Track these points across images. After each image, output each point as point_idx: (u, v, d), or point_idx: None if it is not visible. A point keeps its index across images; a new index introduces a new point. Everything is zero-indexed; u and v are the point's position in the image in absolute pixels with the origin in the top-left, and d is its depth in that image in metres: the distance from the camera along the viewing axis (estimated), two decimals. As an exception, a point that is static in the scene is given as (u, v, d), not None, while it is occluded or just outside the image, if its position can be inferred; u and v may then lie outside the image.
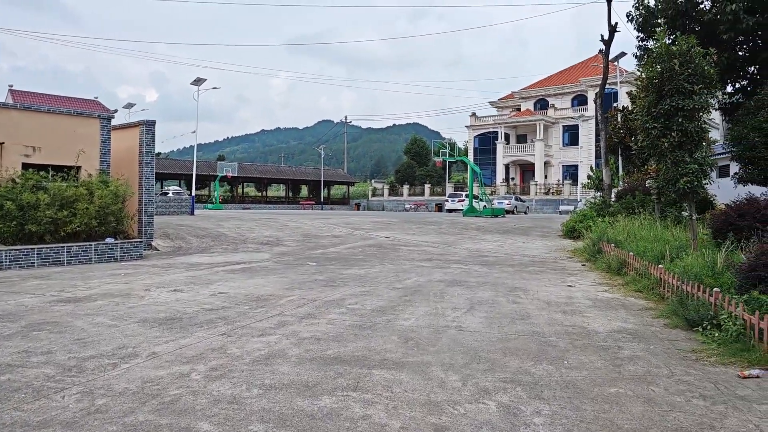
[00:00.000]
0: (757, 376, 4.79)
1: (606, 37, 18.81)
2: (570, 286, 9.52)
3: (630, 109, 23.39)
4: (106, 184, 13.29)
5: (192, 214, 29.90)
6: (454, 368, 4.94)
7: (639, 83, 12.84)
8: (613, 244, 11.92)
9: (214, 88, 33.67)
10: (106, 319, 6.78)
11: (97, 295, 8.43)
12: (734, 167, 22.71)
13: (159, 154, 76.90)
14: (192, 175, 34.51)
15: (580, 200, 47.21)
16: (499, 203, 39.80)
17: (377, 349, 5.52)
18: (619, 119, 23.29)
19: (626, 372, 4.90)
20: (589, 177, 20.89)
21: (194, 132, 31.77)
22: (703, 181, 9.76)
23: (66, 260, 12.22)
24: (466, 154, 62.26)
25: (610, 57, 20.99)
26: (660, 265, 8.42)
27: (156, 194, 52.02)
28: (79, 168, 13.73)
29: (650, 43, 17.19)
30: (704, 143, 9.81)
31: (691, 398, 4.25)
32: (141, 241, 13.87)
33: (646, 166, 23.24)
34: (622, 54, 27.01)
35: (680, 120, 9.40)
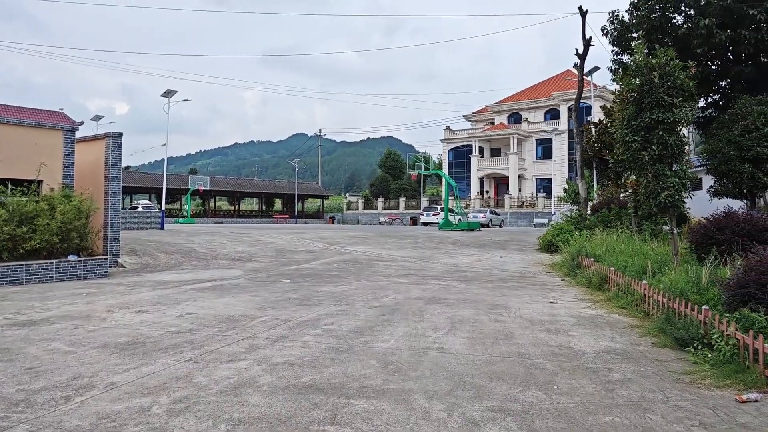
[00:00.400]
0: (756, 400, 4.56)
1: (581, 51, 18.90)
2: (552, 302, 9.28)
3: (604, 122, 23.55)
4: (68, 198, 12.71)
5: (162, 228, 29.13)
6: (438, 396, 4.61)
7: (618, 96, 12.81)
8: (592, 259, 11.76)
9: (185, 100, 33.12)
10: (63, 345, 6.30)
11: (56, 317, 7.91)
12: (708, 180, 22.97)
13: (129, 167, 75.48)
14: (163, 189, 33.65)
15: (555, 213, 47.49)
16: (474, 216, 39.76)
17: (355, 375, 5.16)
18: (594, 133, 23.42)
19: (620, 397, 4.63)
20: (564, 190, 20.91)
21: (164, 145, 31.04)
22: (684, 195, 9.66)
23: (25, 279, 11.59)
24: (440, 167, 62.43)
25: (585, 71, 21.09)
26: (643, 281, 8.23)
27: (125, 209, 50.89)
28: (40, 182, 13.12)
29: (625, 57, 17.33)
30: (684, 156, 9.72)
31: (691, 427, 3.99)
32: (106, 258, 13.29)
33: (621, 180, 23.37)
34: (596, 68, 27.29)
35: (660, 133, 9.29)
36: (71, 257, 12.50)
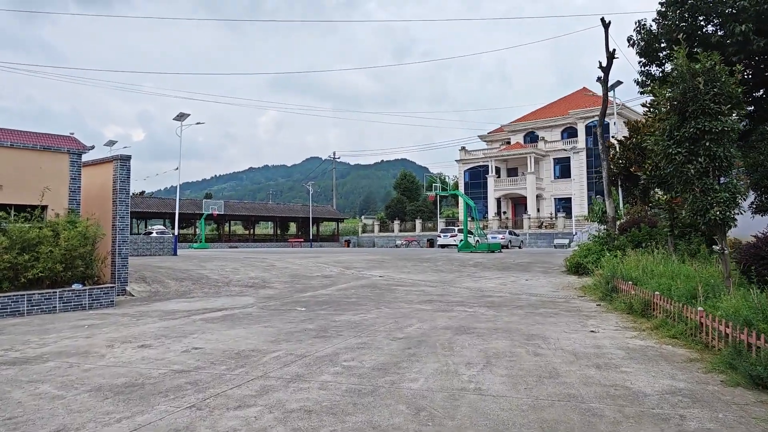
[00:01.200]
0: None
1: (604, 63, 18.19)
2: (593, 331, 8.43)
3: (629, 138, 22.72)
4: (74, 224, 12.13)
5: (175, 254, 28.62)
6: (486, 456, 3.83)
7: (656, 106, 12.05)
8: (630, 282, 10.89)
9: (198, 123, 32.80)
10: (52, 388, 5.60)
11: (51, 354, 7.23)
12: (749, 196, 21.97)
13: (143, 192, 75.68)
14: (176, 214, 33.24)
15: (576, 233, 46.42)
16: (492, 237, 38.83)
17: (383, 426, 4.40)
18: (618, 149, 22.61)
19: (707, 457, 3.81)
20: (591, 210, 20.04)
21: (177, 169, 30.67)
22: (734, 211, 8.82)
23: (26, 310, 10.97)
24: (456, 188, 61.64)
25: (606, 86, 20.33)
26: (699, 308, 7.38)
27: (139, 234, 50.68)
28: (45, 207, 12.58)
29: (653, 68, 16.59)
30: (733, 169, 8.91)
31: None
32: (113, 287, 12.65)
33: (648, 197, 22.45)
34: (618, 83, 26.53)
35: (707, 144, 8.50)
36: (76, 286, 11.88)
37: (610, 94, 26.63)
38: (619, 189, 23.51)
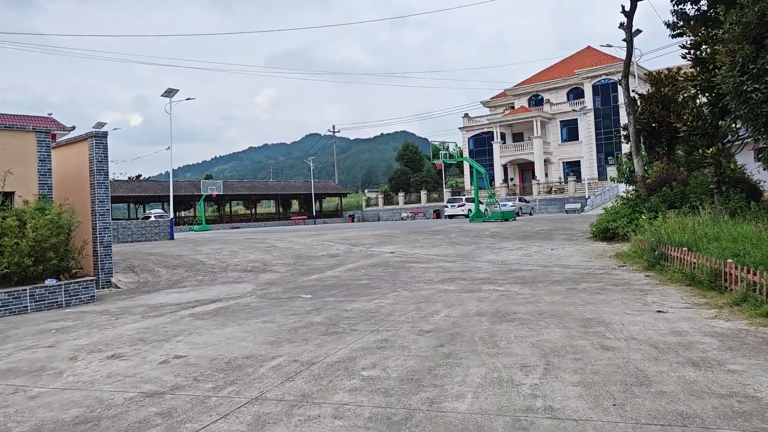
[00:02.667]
0: None
1: (627, 7, 16.39)
2: (660, 311, 6.96)
3: (651, 92, 20.99)
4: (43, 211, 10.63)
5: (171, 238, 27.21)
6: None
7: (699, 47, 10.46)
8: (685, 248, 9.37)
9: (187, 99, 31.02)
10: (-25, 432, 4.17)
11: (-4, 373, 5.80)
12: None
13: (140, 176, 74.12)
14: (170, 196, 31.74)
15: (588, 197, 44.86)
16: (503, 205, 37.27)
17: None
18: (639, 104, 20.92)
19: None
20: (618, 169, 18.47)
21: (168, 148, 29.08)
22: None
23: (-9, 312, 9.54)
24: (461, 156, 59.87)
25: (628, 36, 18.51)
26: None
27: (137, 219, 49.26)
28: (10, 194, 11.09)
29: (688, 6, 14.85)
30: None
31: None
32: (93, 280, 11.21)
33: (674, 153, 20.82)
34: (638, 31, 24.55)
35: (795, 76, 6.90)
36: (49, 282, 10.43)
37: (634, 45, 24.74)
38: (642, 146, 21.90)
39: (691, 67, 11.86)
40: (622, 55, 21.04)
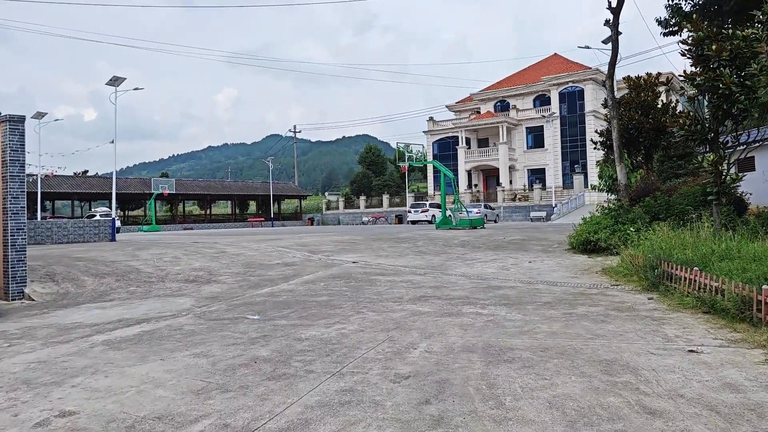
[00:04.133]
0: None
1: (614, 4, 15.30)
2: (693, 351, 5.62)
3: (628, 98, 20.07)
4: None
5: (113, 240, 24.99)
6: None
7: (702, 42, 9.35)
8: (696, 269, 8.12)
9: (135, 88, 28.68)
10: None
11: None
12: (764, 160, 19.64)
13: (86, 172, 70.37)
14: (113, 193, 29.40)
15: (555, 205, 44.20)
16: (468, 212, 36.13)
17: None
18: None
19: None
20: (599, 176, 17.39)
21: (113, 142, 26.79)
22: None
23: None
24: (426, 159, 58.74)
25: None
26: None
27: (80, 218, 46.32)
28: None
29: (683, 2, 13.78)
30: None
31: None
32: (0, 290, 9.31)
33: (652, 162, 19.94)
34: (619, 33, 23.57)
35: None
36: (-66, 294, 8.51)
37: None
38: (624, 153, 20.98)
39: (691, 65, 10.75)
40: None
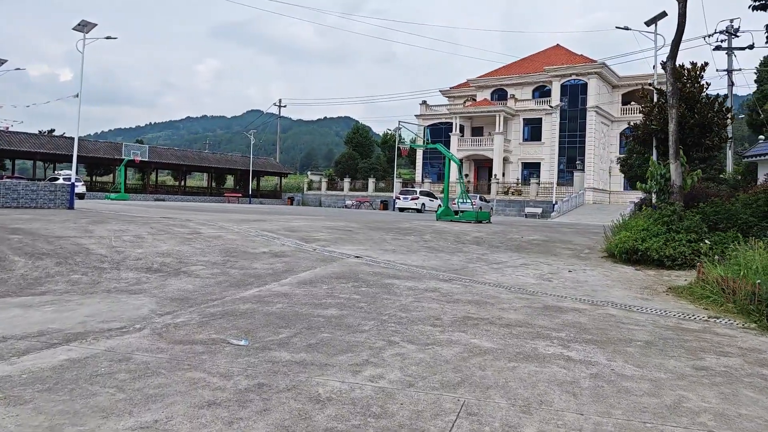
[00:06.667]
0: None
1: (683, -30, 12.93)
2: None
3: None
4: None
5: (70, 207, 21.98)
6: None
7: None
8: None
9: (107, 37, 25.31)
10: None
11: None
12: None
13: (52, 131, 66.19)
14: (74, 156, 26.23)
15: (555, 202, 42.07)
16: (462, 203, 33.74)
17: None
18: (654, 100, 17.75)
19: None
20: (651, 175, 15.10)
21: (77, 95, 23.64)
22: None
23: None
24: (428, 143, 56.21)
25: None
26: None
27: (42, 180, 42.85)
28: None
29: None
30: None
31: None
32: None
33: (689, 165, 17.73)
34: (663, 14, 21.28)
35: None
36: None
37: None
38: (654, 150, 18.77)
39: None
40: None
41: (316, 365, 4.92)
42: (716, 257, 9.85)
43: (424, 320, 6.84)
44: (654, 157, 17.90)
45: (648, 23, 20.62)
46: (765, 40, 14.14)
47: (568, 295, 9.10)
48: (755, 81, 49.21)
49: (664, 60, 14.53)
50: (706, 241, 11.05)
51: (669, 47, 13.90)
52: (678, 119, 13.47)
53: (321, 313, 6.99)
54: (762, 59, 50.88)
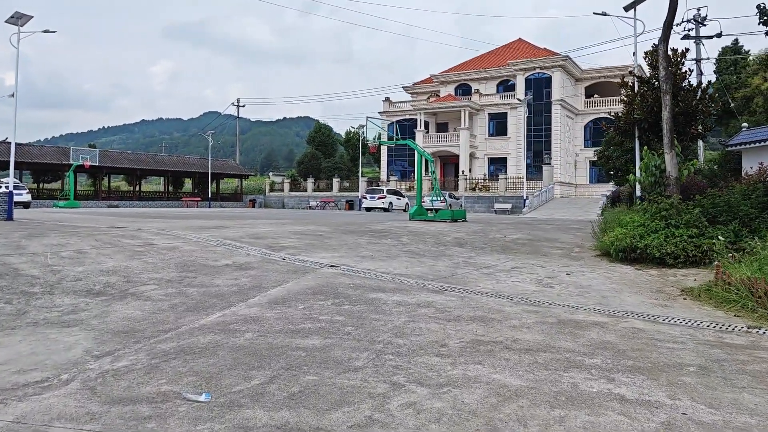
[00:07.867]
0: None
1: (675, -54, 12.09)
2: None
3: (652, 75, 17.04)
4: None
5: (9, 219, 20.02)
6: None
7: None
8: None
9: (45, 31, 23.30)
10: None
11: None
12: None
13: (6, 139, 62.46)
14: (10, 162, 24.11)
15: (526, 198, 41.45)
16: (431, 201, 32.76)
17: None
18: (637, 89, 16.95)
19: None
20: (644, 166, 14.23)
21: (12, 95, 21.67)
22: None
23: None
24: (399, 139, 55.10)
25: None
26: None
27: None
28: None
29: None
30: None
31: None
32: None
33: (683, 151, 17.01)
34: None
35: None
36: None
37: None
38: (636, 141, 17.98)
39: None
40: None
41: (305, 431, 3.65)
42: (734, 254, 8.93)
43: (426, 348, 5.63)
44: (636, 148, 17.11)
45: (627, 8, 19.82)
46: (757, 22, 13.47)
47: (578, 304, 8.02)
48: (714, 72, 49.74)
49: (656, 43, 13.71)
50: (720, 237, 10.19)
51: (658, 31, 13.03)
52: (672, 106, 12.63)
53: (300, 343, 5.71)
54: (720, 50, 51.47)
